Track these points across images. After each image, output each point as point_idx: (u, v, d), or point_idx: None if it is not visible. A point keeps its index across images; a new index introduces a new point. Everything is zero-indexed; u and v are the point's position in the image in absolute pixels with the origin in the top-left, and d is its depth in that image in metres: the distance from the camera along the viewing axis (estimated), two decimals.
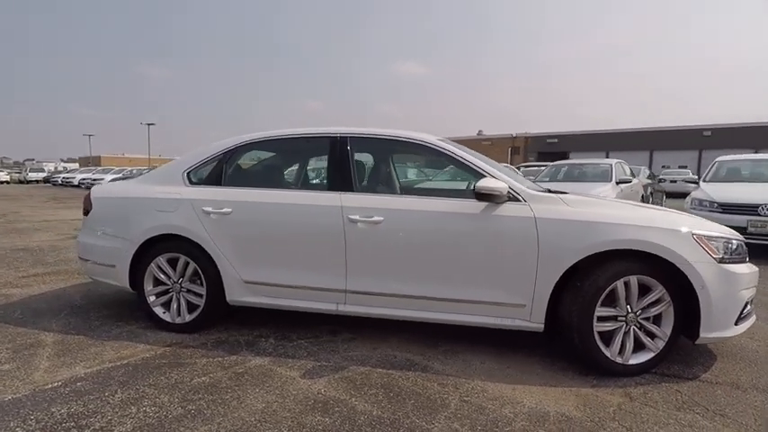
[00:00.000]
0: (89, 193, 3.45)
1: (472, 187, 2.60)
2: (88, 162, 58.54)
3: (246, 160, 3.28)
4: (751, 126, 29.30)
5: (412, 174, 8.31)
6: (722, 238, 2.49)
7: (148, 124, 49.66)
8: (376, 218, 2.71)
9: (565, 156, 33.24)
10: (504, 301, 2.60)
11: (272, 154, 3.45)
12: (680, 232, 2.42)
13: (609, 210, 2.58)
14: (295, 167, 3.52)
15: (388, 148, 3.18)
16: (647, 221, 2.46)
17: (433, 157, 2.91)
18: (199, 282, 3.10)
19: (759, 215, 5.48)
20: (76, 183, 27.99)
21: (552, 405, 2.20)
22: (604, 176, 8.23)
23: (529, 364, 2.65)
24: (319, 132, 3.07)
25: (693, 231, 2.44)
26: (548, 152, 36.39)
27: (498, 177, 2.64)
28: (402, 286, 2.72)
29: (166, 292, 3.16)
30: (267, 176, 3.40)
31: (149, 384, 2.35)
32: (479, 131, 47.97)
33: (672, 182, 19.82)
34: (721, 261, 2.42)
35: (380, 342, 2.97)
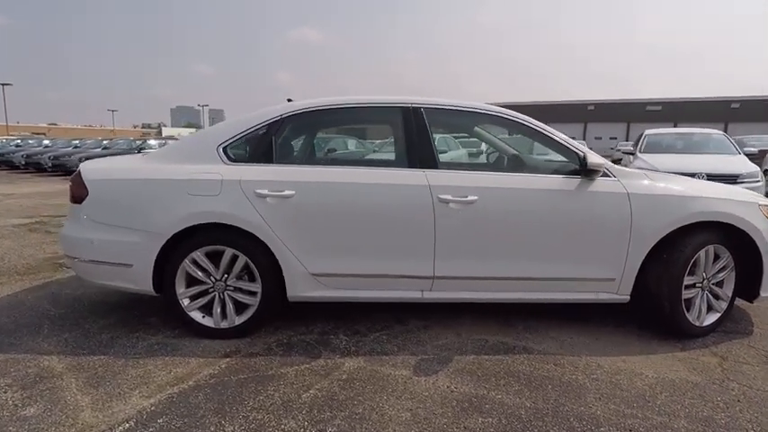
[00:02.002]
0: (78, 174, 2.68)
1: (578, 163, 2.56)
2: None
3: (298, 133, 2.80)
4: (626, 102, 33.77)
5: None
6: None
7: (2, 84, 40.94)
8: (470, 197, 2.51)
9: None
10: (595, 276, 2.62)
11: (327, 126, 3.00)
12: (752, 204, 2.64)
13: (690, 184, 2.71)
14: (358, 141, 3.11)
15: (468, 122, 2.95)
16: (725, 195, 2.63)
17: (519, 132, 2.77)
18: (247, 277, 2.64)
19: None
20: None
21: (669, 373, 2.30)
22: None
23: (611, 334, 2.74)
24: (387, 102, 2.72)
25: (759, 202, 2.68)
26: None
27: (594, 154, 2.60)
28: (494, 268, 2.60)
29: (205, 292, 2.64)
30: (328, 152, 2.96)
31: (254, 408, 1.95)
32: None
33: None
34: None
35: (457, 327, 2.83)
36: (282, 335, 2.71)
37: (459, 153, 8.01)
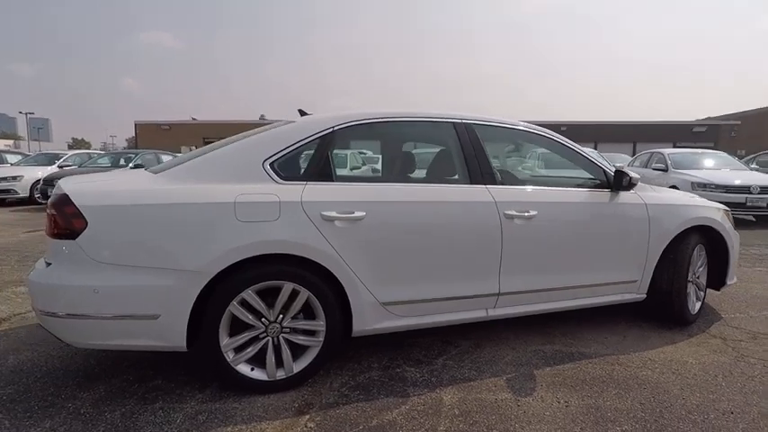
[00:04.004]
0: (65, 199, 1.97)
1: (605, 178, 2.82)
2: None
3: (349, 147, 2.50)
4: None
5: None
6: (728, 210, 3.42)
7: None
8: (531, 212, 2.56)
9: None
10: (624, 279, 2.90)
11: (378, 141, 2.74)
12: (719, 209, 3.23)
13: (681, 195, 3.20)
14: (415, 157, 2.89)
15: (512, 139, 2.99)
16: (704, 203, 3.18)
17: (557, 151, 2.94)
18: (302, 315, 2.25)
19: None
20: None
21: (703, 357, 2.63)
22: None
23: (629, 331, 3.02)
24: (439, 117, 2.64)
25: (721, 208, 3.29)
26: None
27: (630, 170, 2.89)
28: (547, 280, 2.69)
29: (255, 339, 2.17)
30: (385, 168, 2.69)
31: None
32: (261, 116, 46.60)
33: None
34: (734, 227, 3.35)
35: (505, 340, 2.84)
36: (342, 377, 2.37)
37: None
